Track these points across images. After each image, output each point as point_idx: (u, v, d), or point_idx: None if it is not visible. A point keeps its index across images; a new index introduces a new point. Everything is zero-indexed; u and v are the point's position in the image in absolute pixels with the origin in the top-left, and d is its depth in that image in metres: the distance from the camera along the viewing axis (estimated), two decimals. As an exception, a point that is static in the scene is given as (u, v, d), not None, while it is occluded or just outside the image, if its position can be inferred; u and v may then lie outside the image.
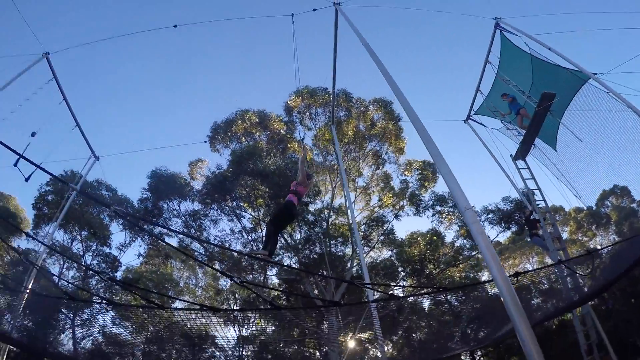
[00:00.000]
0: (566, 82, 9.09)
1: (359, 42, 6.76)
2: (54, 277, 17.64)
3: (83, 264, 18.39)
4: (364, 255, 13.91)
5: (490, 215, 16.92)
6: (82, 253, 18.82)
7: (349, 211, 14.70)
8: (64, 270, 19.53)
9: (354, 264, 15.52)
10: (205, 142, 13.92)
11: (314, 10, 9.62)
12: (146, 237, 15.47)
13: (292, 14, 8.92)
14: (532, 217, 10.13)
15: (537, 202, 10.45)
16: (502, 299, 2.75)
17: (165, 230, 13.68)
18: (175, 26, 9.76)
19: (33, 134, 9.41)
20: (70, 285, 17.60)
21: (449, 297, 18.82)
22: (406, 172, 15.44)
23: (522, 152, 11.14)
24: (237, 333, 16.55)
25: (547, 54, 8.98)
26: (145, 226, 13.34)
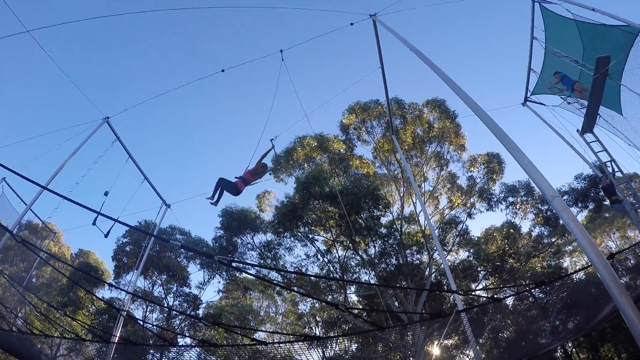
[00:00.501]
0: (618, 41, 8.60)
1: (397, 48, 6.74)
2: (139, 321, 18.67)
3: (165, 305, 19.37)
4: (445, 258, 13.52)
5: (565, 197, 15.96)
6: (163, 295, 19.85)
7: (421, 217, 14.44)
8: (147, 313, 20.66)
9: (432, 271, 15.13)
10: (269, 173, 14.30)
11: (352, 24, 9.72)
12: (224, 273, 16.03)
13: (281, 51, 9.16)
14: (608, 183, 9.53)
15: (613, 173, 9.85)
16: (604, 283, 2.70)
17: (269, 265, 14.11)
18: (223, 70, 10.24)
19: (106, 193, 10.10)
20: (155, 327, 18.54)
21: (532, 290, 17.84)
22: (471, 168, 14.97)
23: (588, 125, 10.51)
24: (321, 355, 16.58)
25: (592, 16, 8.52)
26: (235, 265, 13.79)
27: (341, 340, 16.81)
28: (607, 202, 16.10)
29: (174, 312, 18.76)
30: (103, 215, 3.60)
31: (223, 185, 7.48)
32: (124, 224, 4.18)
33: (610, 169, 9.98)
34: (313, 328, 16.59)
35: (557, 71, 10.50)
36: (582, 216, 20.04)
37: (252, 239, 15.06)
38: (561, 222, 16.43)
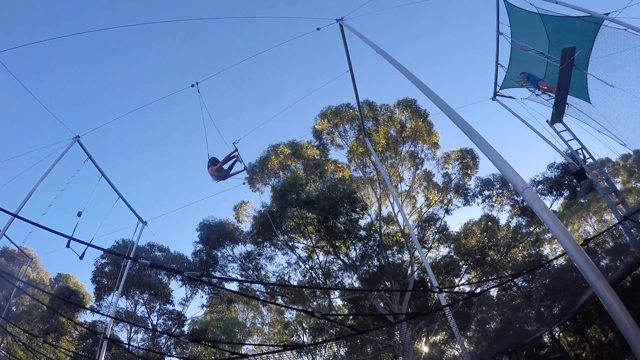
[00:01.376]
0: (582, 31, 8.80)
1: (367, 51, 6.75)
2: (124, 344, 18.15)
3: (149, 327, 18.87)
4: (425, 256, 13.60)
5: (540, 187, 16.30)
6: (147, 315, 19.32)
7: (400, 217, 14.49)
8: (132, 334, 20.09)
9: (415, 269, 15.20)
10: (244, 183, 14.12)
11: (318, 29, 9.70)
12: (206, 287, 15.72)
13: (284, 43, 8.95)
14: (578, 168, 9.82)
15: (585, 160, 10.11)
16: (580, 269, 2.74)
17: (228, 277, 13.85)
18: (192, 85, 10.03)
19: (79, 214, 9.80)
20: (140, 348, 18.05)
21: (516, 280, 18.14)
22: (446, 165, 15.12)
23: (557, 115, 10.75)
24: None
25: (556, 9, 8.72)
26: (214, 281, 13.54)
27: (330, 346, 16.75)
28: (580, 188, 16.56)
29: (159, 332, 18.29)
30: (75, 239, 3.44)
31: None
32: (96, 247, 4.03)
33: (581, 156, 10.23)
34: (300, 335, 16.43)
35: (522, 72, 10.69)
36: (558, 204, 20.57)
37: (232, 251, 14.83)
38: (537, 211, 16.76)
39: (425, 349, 17.48)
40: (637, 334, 2.39)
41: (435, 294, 15.79)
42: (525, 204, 16.16)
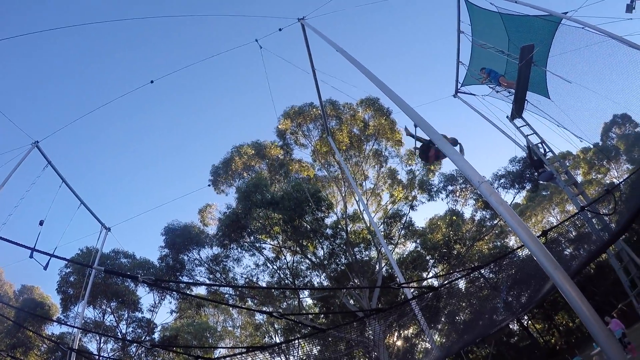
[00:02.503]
0: (541, 29, 9.12)
1: (330, 50, 6.82)
2: (94, 355, 17.64)
3: (119, 336, 18.37)
4: (391, 252, 13.84)
5: (502, 181, 16.85)
6: (115, 324, 18.80)
7: (364, 214, 14.67)
8: (102, 345, 19.51)
9: (383, 265, 15.43)
10: (209, 185, 13.98)
11: (280, 30, 9.73)
12: (174, 293, 15.44)
13: (257, 40, 8.92)
14: (534, 158, 10.19)
15: (545, 154, 10.52)
16: (537, 260, 2.77)
17: (195, 282, 13.65)
18: (152, 82, 9.81)
19: (41, 223, 9.44)
20: (110, 359, 17.57)
21: (483, 271, 18.69)
22: (410, 162, 15.43)
23: (517, 110, 11.15)
24: (286, 362, 16.44)
25: (515, 8, 9.06)
26: (171, 284, 13.31)
27: (302, 345, 16.78)
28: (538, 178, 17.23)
29: (127, 341, 17.84)
30: (38, 251, 3.31)
31: None
32: (60, 258, 3.88)
33: (541, 150, 10.62)
34: (273, 337, 16.39)
35: (482, 67, 10.94)
36: (521, 196, 21.35)
37: (199, 255, 14.63)
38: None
39: (398, 344, 17.79)
40: (595, 321, 2.40)
41: (403, 289, 16.12)
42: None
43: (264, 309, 14.36)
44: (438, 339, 19.28)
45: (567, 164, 24.28)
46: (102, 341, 19.56)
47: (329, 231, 14.18)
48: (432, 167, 15.50)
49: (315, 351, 17.09)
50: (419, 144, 7.09)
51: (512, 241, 21.21)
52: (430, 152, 6.83)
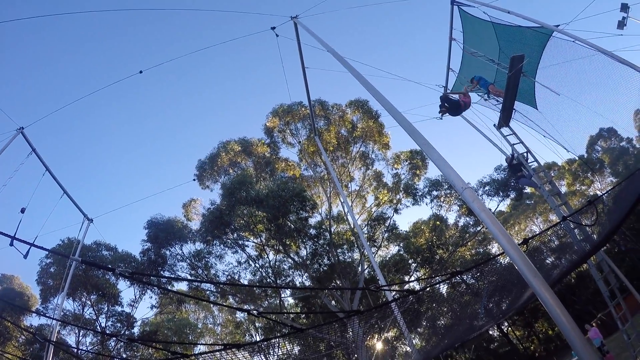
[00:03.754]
0: (532, 41, 9.30)
1: (321, 50, 6.85)
2: (72, 348, 17.41)
3: (98, 329, 18.14)
4: (373, 255, 13.94)
5: (487, 188, 17.08)
6: (95, 317, 18.56)
7: (348, 216, 14.75)
8: (80, 338, 19.25)
9: (365, 267, 15.53)
10: (194, 179, 13.91)
11: (273, 28, 9.77)
12: (155, 288, 15.32)
13: (273, 28, 8.89)
14: (514, 162, 10.35)
15: (530, 164, 10.72)
16: (517, 267, 2.79)
17: (174, 276, 13.57)
18: (141, 72, 9.73)
19: (22, 210, 9.29)
20: (89, 352, 17.37)
21: (464, 277, 18.92)
22: (396, 165, 15.56)
23: (504, 119, 11.33)
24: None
25: (508, 18, 9.24)
26: (152, 279, 13.22)
27: (282, 344, 16.77)
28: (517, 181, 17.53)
29: (106, 334, 17.62)
30: (18, 239, 3.26)
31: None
32: (40, 247, 3.83)
33: (528, 159, 10.80)
34: (253, 335, 16.36)
35: (473, 77, 11.07)
36: (505, 204, 21.67)
37: (182, 250, 14.55)
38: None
39: (378, 346, 17.89)
40: (573, 329, 2.41)
41: (384, 292, 16.24)
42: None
43: (245, 307, 14.33)
44: (418, 343, 19.49)
45: (552, 174, 24.71)
46: (80, 334, 19.32)
47: (312, 231, 14.23)
48: (418, 172, 15.62)
49: (295, 351, 17.13)
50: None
51: (494, 248, 21.51)
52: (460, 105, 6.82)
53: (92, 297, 17.70)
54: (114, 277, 16.01)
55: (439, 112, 8.16)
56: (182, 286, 16.54)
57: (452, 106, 7.39)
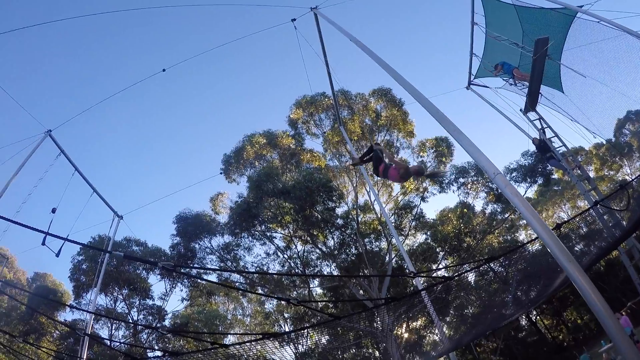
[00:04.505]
0: (556, 22, 8.97)
1: (342, 40, 6.74)
2: (105, 340, 17.98)
3: (131, 321, 18.68)
4: (402, 243, 13.82)
5: (514, 174, 16.69)
6: (127, 311, 19.11)
7: (376, 205, 14.65)
8: (113, 331, 19.86)
9: (393, 256, 15.43)
10: (220, 173, 14.06)
11: (293, 20, 9.70)
12: (185, 280, 15.63)
13: (293, 19, 8.83)
14: (542, 144, 10.05)
15: (557, 149, 10.40)
16: (552, 253, 2.74)
17: (215, 267, 13.81)
18: (164, 70, 9.81)
19: (53, 210, 9.50)
20: (122, 344, 17.88)
21: (492, 265, 18.61)
22: (421, 153, 15.33)
23: (530, 104, 11.02)
24: (294, 351, 16.57)
25: (530, 0, 8.92)
26: (190, 271, 13.46)
27: (312, 334, 16.90)
28: (549, 167, 17.03)
29: (140, 327, 18.13)
30: (51, 235, 3.34)
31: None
32: (74, 242, 3.92)
33: (555, 145, 10.52)
34: (282, 325, 16.54)
35: (497, 63, 10.84)
36: (532, 191, 21.12)
37: (210, 243, 14.76)
38: (511, 197, 17.28)
39: (405, 335, 17.84)
40: (609, 315, 2.38)
41: (413, 280, 16.13)
42: (499, 190, 16.56)
43: (273, 295, 14.43)
44: (447, 332, 19.32)
45: (580, 159, 23.93)
46: (113, 328, 19.93)
47: (339, 221, 14.20)
48: (444, 159, 15.37)
49: (324, 340, 17.25)
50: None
51: (522, 235, 21.05)
52: (380, 166, 5.83)
53: (123, 291, 18.20)
54: (154, 270, 16.35)
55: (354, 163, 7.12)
56: (212, 278, 16.80)
57: (375, 160, 6.10)
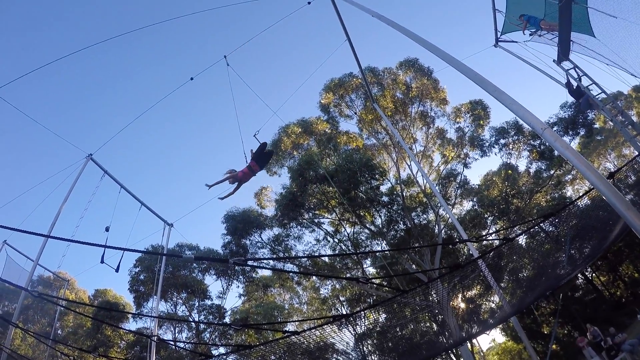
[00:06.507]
0: None
1: (362, 16, 6.69)
2: (170, 342, 18.90)
3: (191, 320, 19.52)
4: (451, 211, 13.67)
5: (555, 128, 16.08)
6: (187, 313, 20.00)
7: (419, 177, 14.52)
8: (176, 335, 20.85)
9: (442, 227, 15.28)
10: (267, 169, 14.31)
11: (309, 3, 9.63)
12: (241, 277, 16.12)
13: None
14: (572, 87, 9.67)
15: (596, 96, 9.97)
16: (609, 202, 2.71)
17: (282, 256, 14.18)
18: (192, 79, 10.00)
19: (107, 229, 9.82)
20: (187, 344, 18.73)
21: (543, 225, 18.07)
22: (457, 119, 15.01)
23: (563, 53, 10.56)
24: (353, 333, 16.81)
25: None
26: (251, 263, 13.89)
27: (368, 314, 17.05)
28: (590, 117, 16.26)
29: (202, 326, 18.93)
30: (110, 247, 3.60)
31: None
32: (132, 250, 4.16)
33: (593, 92, 10.11)
34: (339, 308, 16.81)
35: (521, 14, 10.54)
36: (575, 143, 20.24)
37: (260, 237, 15.13)
38: (556, 152, 16.63)
39: (462, 305, 17.70)
40: None
41: (467, 248, 15.93)
42: (542, 147, 15.98)
43: (329, 282, 14.64)
44: (506, 297, 18.99)
45: (620, 104, 22.69)
46: (176, 331, 20.93)
47: (385, 199, 14.19)
48: (482, 122, 15.00)
49: (381, 319, 17.38)
50: None
51: (569, 192, 20.30)
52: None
53: (182, 295, 19.03)
54: (212, 271, 16.96)
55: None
56: (266, 272, 17.24)
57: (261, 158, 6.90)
